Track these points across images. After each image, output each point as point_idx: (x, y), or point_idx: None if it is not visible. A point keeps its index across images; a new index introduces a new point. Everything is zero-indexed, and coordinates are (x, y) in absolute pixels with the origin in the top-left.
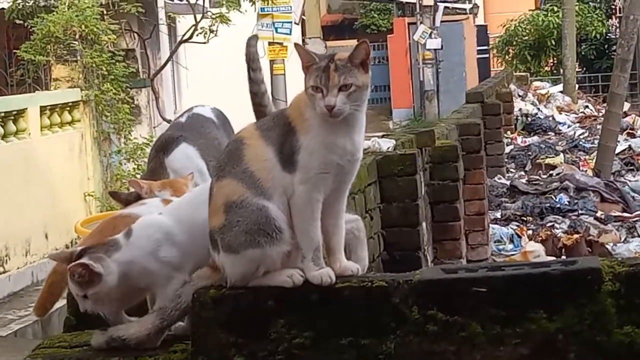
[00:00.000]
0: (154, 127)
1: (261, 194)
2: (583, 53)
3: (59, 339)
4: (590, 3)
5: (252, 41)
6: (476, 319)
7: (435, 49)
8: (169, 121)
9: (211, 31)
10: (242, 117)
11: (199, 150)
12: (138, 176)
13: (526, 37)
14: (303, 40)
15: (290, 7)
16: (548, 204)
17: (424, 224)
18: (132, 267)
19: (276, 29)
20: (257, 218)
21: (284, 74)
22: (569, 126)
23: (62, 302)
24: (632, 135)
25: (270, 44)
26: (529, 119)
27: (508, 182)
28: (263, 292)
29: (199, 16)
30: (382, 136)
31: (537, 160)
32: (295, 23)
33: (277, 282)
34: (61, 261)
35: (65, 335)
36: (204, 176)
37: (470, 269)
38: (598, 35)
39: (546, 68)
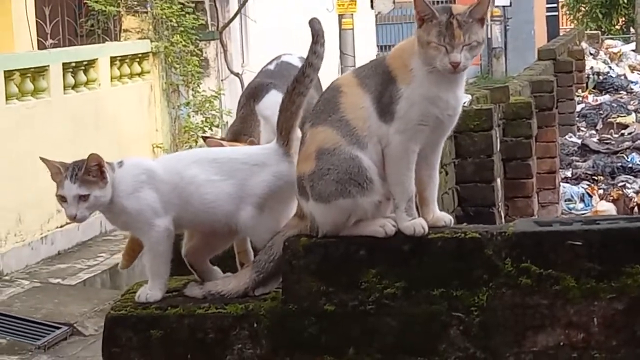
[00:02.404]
0: (222, 80)
1: (355, 142)
2: None
3: None
4: None
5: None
6: (570, 273)
7: (503, 6)
8: (237, 74)
9: None
10: None
11: None
12: (206, 129)
13: None
14: None
15: None
16: (619, 164)
17: (498, 180)
18: (113, 200)
19: None
20: (349, 167)
21: (352, 29)
22: None
23: None
24: None
25: None
26: (601, 77)
27: (579, 141)
28: (354, 241)
29: None
30: None
31: (609, 119)
32: None
33: (369, 232)
34: (51, 167)
35: None
36: None
37: (564, 222)
38: None
39: (617, 27)
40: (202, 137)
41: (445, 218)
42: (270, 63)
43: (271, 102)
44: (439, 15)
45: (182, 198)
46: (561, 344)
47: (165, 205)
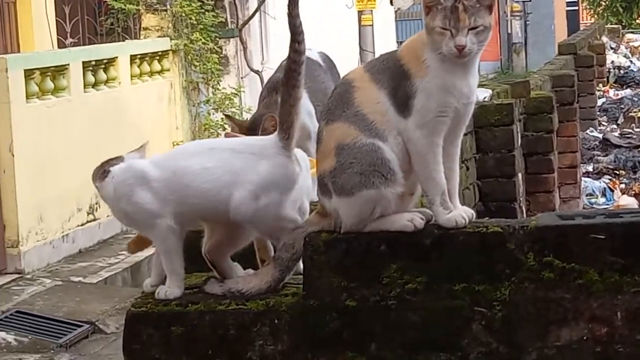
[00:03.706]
0: (242, 78)
1: (375, 135)
2: None
3: None
4: None
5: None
6: (594, 267)
7: (523, 1)
8: (256, 72)
9: None
10: None
11: (308, 93)
12: (227, 126)
13: None
14: None
15: None
16: None
17: (519, 175)
18: (113, 202)
19: None
20: (372, 159)
21: (372, 25)
22: None
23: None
24: None
25: None
26: (622, 71)
27: (600, 135)
28: (375, 236)
29: None
30: (478, 86)
31: (630, 114)
32: None
33: (397, 227)
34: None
35: None
36: (312, 119)
37: (587, 216)
38: None
39: (638, 20)
40: (225, 114)
41: (468, 212)
42: None
43: None
44: (444, 1)
45: (177, 191)
46: (585, 338)
47: (163, 202)
